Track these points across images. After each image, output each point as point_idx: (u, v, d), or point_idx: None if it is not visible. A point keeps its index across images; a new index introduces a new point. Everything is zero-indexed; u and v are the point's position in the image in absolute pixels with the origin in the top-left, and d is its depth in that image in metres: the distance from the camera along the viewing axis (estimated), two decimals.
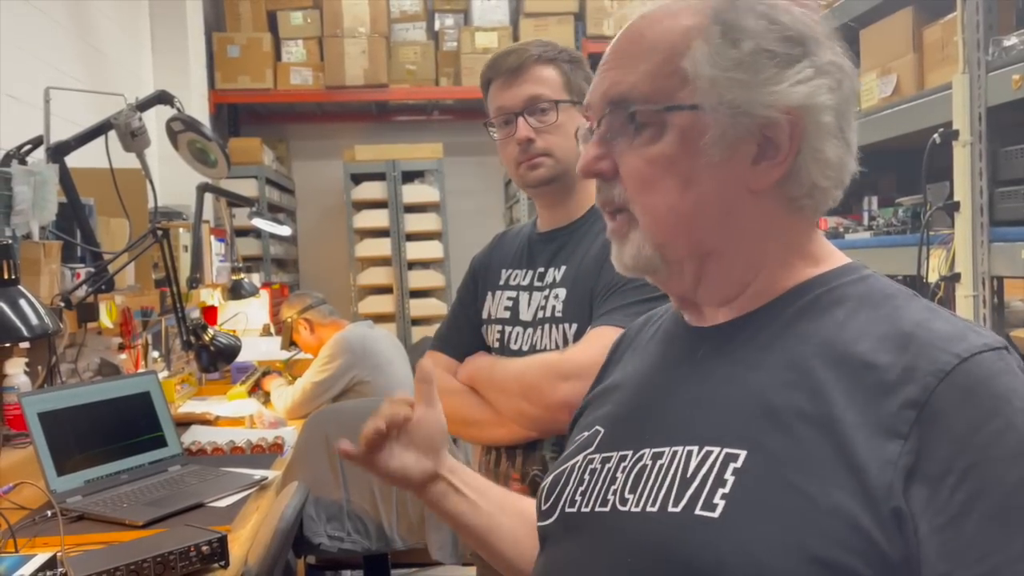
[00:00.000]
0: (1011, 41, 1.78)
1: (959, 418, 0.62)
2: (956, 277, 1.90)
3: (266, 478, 1.99)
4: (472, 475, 0.95)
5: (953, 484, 0.61)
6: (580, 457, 0.81)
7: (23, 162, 2.31)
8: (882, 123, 2.22)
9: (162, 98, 2.57)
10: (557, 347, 1.36)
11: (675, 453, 0.71)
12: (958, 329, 0.67)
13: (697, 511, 0.66)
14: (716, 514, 0.65)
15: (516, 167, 1.43)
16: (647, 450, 0.74)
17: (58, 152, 2.41)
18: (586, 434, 0.83)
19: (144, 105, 2.52)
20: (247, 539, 1.65)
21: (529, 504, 0.93)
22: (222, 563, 1.46)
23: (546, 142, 1.39)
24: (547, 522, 0.81)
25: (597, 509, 0.75)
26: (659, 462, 0.72)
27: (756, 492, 0.65)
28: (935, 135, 1.92)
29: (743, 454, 0.67)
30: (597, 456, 0.79)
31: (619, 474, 0.75)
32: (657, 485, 0.71)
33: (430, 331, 4.84)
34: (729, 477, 0.66)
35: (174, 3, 4.45)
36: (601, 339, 1.18)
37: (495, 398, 1.37)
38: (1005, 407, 0.62)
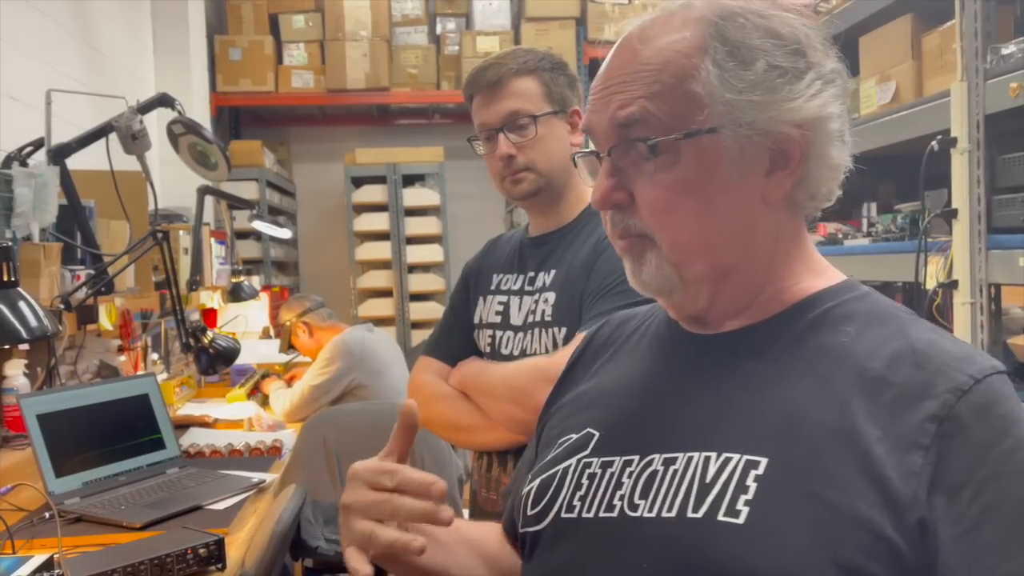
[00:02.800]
0: (1009, 49, 1.79)
1: (976, 433, 0.65)
2: (954, 284, 1.90)
3: (264, 481, 1.99)
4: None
5: (971, 495, 0.64)
6: (573, 460, 0.79)
7: (24, 164, 2.32)
8: (881, 130, 2.23)
9: (163, 100, 2.57)
10: (547, 351, 1.37)
11: (690, 459, 0.71)
12: (966, 351, 0.71)
13: (720, 517, 0.67)
14: (741, 520, 0.66)
15: (501, 181, 1.44)
16: (657, 455, 0.74)
17: (59, 154, 2.42)
18: (575, 436, 0.82)
19: (145, 107, 2.52)
20: (244, 542, 1.65)
21: (473, 530, 0.90)
22: (219, 566, 1.46)
23: (527, 157, 1.40)
24: (536, 527, 0.79)
25: (602, 515, 0.74)
26: (672, 467, 0.72)
27: (779, 499, 0.66)
28: (933, 142, 1.93)
29: (764, 461, 0.68)
30: (595, 460, 0.78)
31: (625, 479, 0.74)
32: (672, 491, 0.70)
33: (429, 334, 4.81)
34: (751, 483, 0.67)
35: (176, 5, 4.46)
36: None
37: (485, 402, 1.37)
38: (1015, 427, 0.67)
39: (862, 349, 0.71)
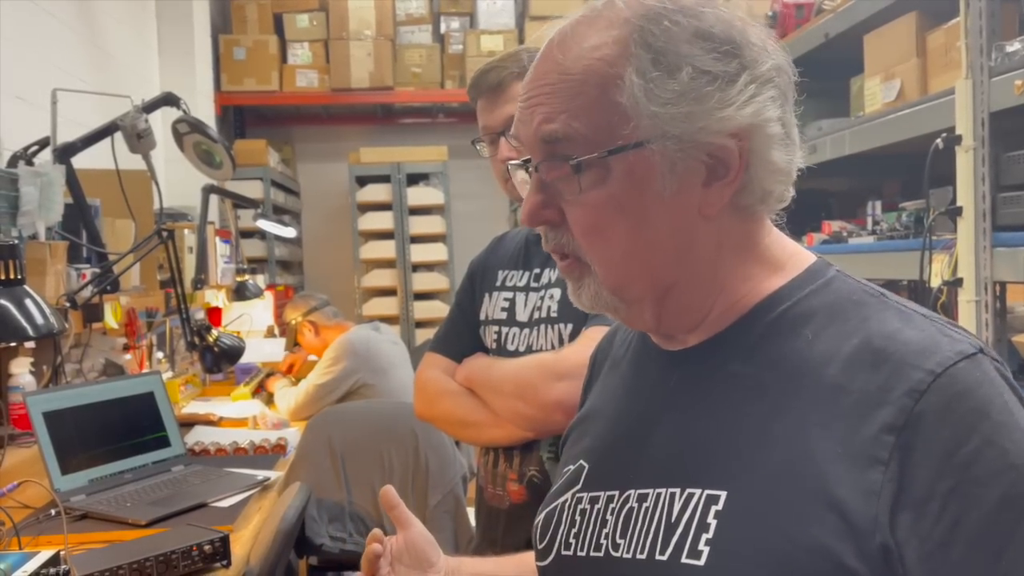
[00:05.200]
0: (1014, 47, 1.78)
1: (938, 439, 0.60)
2: (959, 282, 1.90)
3: (268, 479, 2.00)
4: (478, 562, 0.95)
5: (937, 510, 0.60)
6: (569, 495, 0.79)
7: (30, 163, 2.33)
8: (885, 128, 2.22)
9: (168, 100, 2.58)
10: (553, 347, 1.37)
11: (659, 496, 0.70)
12: (930, 337, 0.65)
13: (683, 559, 0.65)
14: (701, 562, 0.64)
15: (504, 183, 1.44)
16: (632, 491, 0.72)
17: (65, 153, 2.43)
18: (572, 468, 0.81)
19: (150, 107, 2.53)
20: (249, 539, 1.65)
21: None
22: (224, 563, 1.47)
23: None
24: (544, 563, 0.80)
25: (592, 554, 0.73)
26: (644, 505, 0.70)
27: (739, 536, 0.64)
28: (938, 140, 1.92)
29: (723, 495, 0.65)
30: (585, 495, 0.77)
31: (608, 516, 0.73)
32: (644, 530, 0.69)
33: (434, 333, 4.83)
34: (711, 521, 0.65)
35: (181, 5, 4.47)
36: (595, 339, 1.19)
37: (491, 399, 1.38)
38: (982, 423, 0.61)
39: (819, 354, 0.67)
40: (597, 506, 0.75)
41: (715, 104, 0.67)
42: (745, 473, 0.65)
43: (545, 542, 0.79)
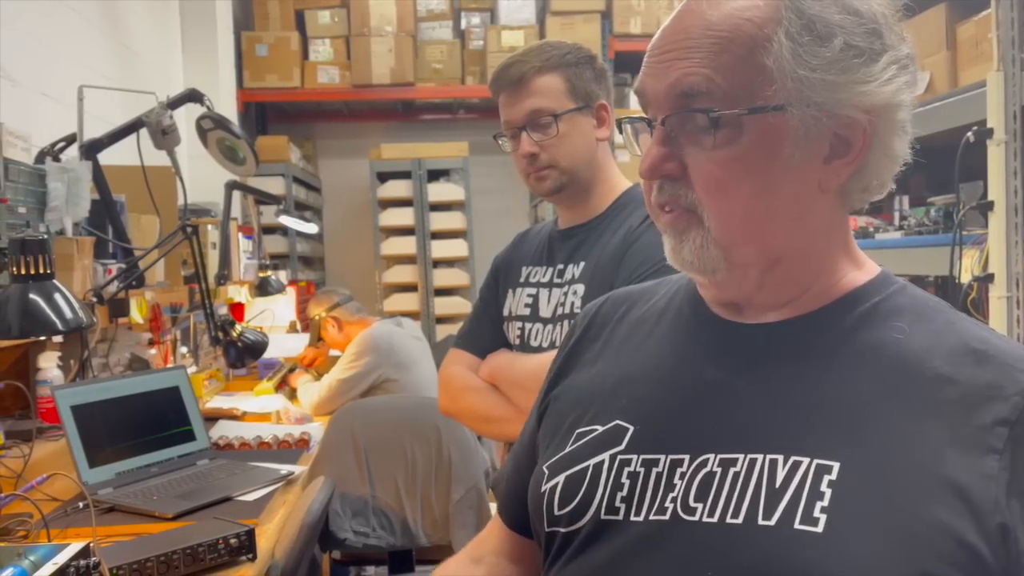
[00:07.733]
0: None
1: None
2: (989, 278, 1.87)
3: (292, 473, 2.01)
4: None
5: None
6: (606, 456, 0.75)
7: (57, 159, 2.35)
8: (914, 121, 2.19)
9: (192, 96, 2.59)
10: None
11: (753, 461, 0.68)
12: (1020, 348, 0.70)
13: (797, 525, 0.64)
14: (819, 528, 0.63)
15: (526, 178, 1.45)
16: (711, 455, 0.70)
17: (91, 149, 2.45)
18: (601, 428, 0.77)
19: (175, 103, 2.54)
20: (274, 533, 1.66)
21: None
22: (250, 556, 1.47)
23: (550, 154, 1.40)
24: (571, 528, 0.75)
25: (652, 517, 0.70)
26: (733, 470, 0.68)
27: (857, 506, 0.63)
28: (969, 133, 1.89)
29: (836, 465, 0.65)
30: (635, 457, 0.74)
31: (677, 480, 0.70)
32: (736, 495, 0.67)
33: (454, 329, 4.89)
34: (825, 490, 0.64)
35: (204, 3, 4.50)
36: None
37: (515, 394, 1.38)
38: None
39: (917, 346, 0.69)
40: (656, 469, 0.72)
41: (859, 77, 0.68)
42: (856, 447, 0.66)
43: (573, 505, 0.75)
